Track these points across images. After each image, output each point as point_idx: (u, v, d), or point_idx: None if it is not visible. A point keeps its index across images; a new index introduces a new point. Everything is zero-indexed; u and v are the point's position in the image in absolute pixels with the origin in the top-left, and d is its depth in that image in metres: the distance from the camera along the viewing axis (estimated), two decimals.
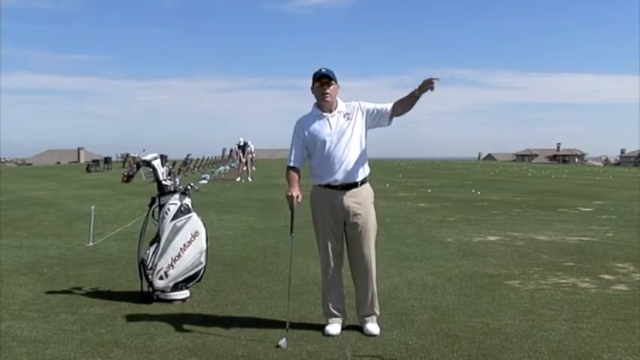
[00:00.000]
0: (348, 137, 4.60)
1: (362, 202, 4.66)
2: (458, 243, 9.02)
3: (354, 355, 4.26)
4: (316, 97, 4.68)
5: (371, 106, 4.72)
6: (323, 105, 4.66)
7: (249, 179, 25.42)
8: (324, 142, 4.60)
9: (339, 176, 4.59)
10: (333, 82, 4.61)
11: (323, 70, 4.61)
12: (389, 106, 4.67)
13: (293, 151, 4.72)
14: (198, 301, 5.66)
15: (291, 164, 4.70)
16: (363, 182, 4.69)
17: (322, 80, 4.59)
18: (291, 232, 4.71)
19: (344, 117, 4.65)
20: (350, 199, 4.63)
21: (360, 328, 4.74)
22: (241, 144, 27.23)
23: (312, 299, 5.47)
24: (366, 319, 4.73)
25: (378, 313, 4.80)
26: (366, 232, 4.68)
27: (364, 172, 4.69)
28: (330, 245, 4.68)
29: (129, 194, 17.20)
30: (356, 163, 4.62)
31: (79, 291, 6.04)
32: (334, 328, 4.69)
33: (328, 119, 4.64)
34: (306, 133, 4.66)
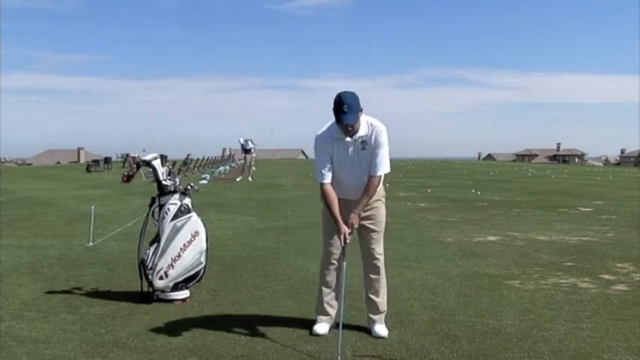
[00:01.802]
0: (363, 162, 4.56)
1: (373, 203, 4.67)
2: (458, 243, 9.02)
3: (354, 355, 4.26)
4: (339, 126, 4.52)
5: (375, 153, 4.55)
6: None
7: (249, 179, 25.42)
8: (343, 165, 4.58)
9: (354, 195, 4.61)
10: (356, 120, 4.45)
11: (346, 113, 4.34)
12: (371, 172, 4.56)
13: (322, 165, 4.58)
14: (198, 301, 5.66)
15: (325, 180, 4.58)
16: None
17: (347, 127, 4.46)
18: (344, 259, 4.58)
19: (361, 143, 4.53)
20: None
21: (360, 328, 4.75)
22: (242, 142, 26.84)
23: (312, 299, 5.45)
24: (375, 318, 4.73)
25: (386, 310, 4.81)
26: (377, 231, 4.72)
27: None
28: (334, 243, 4.69)
29: (129, 194, 17.18)
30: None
31: (79, 291, 6.04)
32: (322, 327, 4.70)
33: (349, 144, 4.54)
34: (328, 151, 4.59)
